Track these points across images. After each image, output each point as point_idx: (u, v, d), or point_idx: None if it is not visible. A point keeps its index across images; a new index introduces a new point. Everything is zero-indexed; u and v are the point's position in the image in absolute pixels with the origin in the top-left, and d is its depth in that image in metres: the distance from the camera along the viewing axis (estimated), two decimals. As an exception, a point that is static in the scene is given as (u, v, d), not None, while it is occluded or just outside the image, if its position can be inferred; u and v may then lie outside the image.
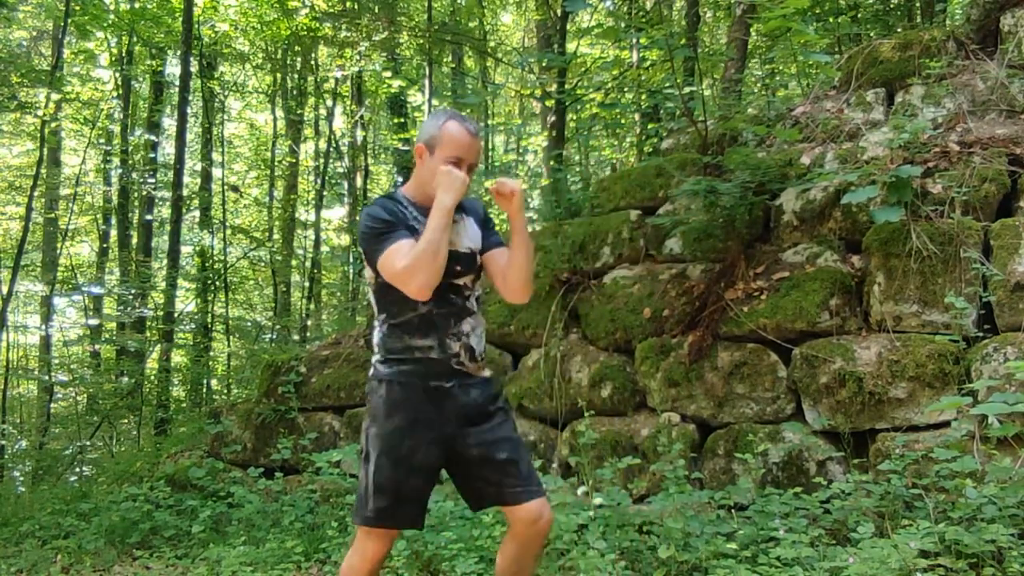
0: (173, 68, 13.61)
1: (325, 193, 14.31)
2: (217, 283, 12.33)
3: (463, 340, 2.52)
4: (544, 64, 8.39)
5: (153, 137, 13.42)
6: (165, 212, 13.05)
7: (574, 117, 10.06)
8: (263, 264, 14.21)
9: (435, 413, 2.47)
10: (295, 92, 14.60)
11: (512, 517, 2.50)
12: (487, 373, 2.61)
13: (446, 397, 2.49)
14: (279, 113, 14.98)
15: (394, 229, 2.44)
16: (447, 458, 2.52)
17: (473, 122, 2.54)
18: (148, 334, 11.17)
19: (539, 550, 2.57)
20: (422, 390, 2.47)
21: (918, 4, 8.21)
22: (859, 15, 8.40)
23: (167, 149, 14.11)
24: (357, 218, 13.32)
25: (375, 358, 2.57)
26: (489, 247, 2.61)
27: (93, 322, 13.17)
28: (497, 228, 2.72)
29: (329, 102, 14.40)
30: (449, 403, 2.49)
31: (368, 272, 2.54)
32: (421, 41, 11.80)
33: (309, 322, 12.43)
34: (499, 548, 2.62)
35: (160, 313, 10.88)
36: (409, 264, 2.35)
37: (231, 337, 12.91)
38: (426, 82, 11.99)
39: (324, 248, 14.65)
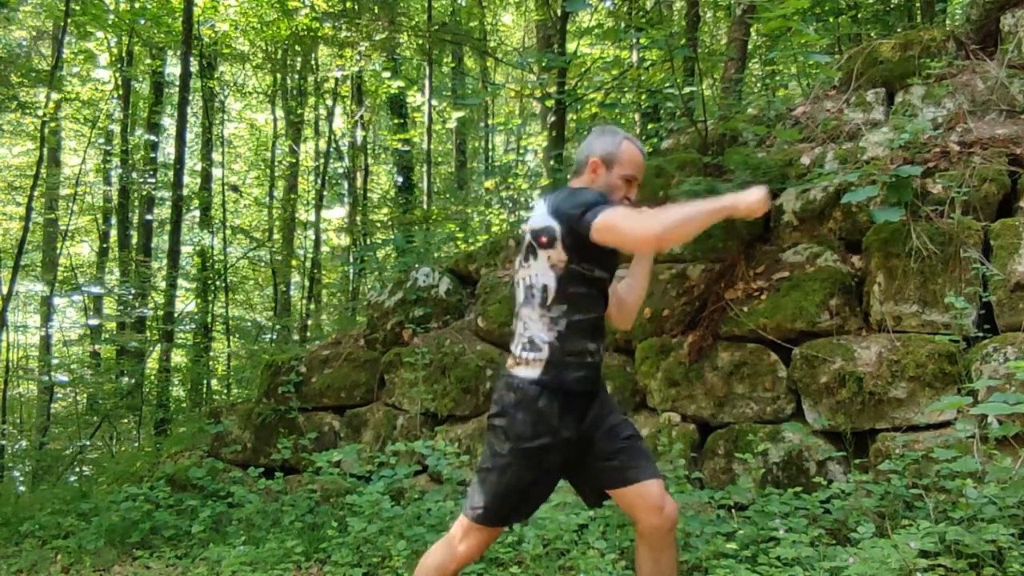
0: (173, 68, 13.62)
1: (325, 193, 14.31)
2: (217, 283, 12.34)
3: (602, 343, 2.57)
4: (544, 64, 8.38)
5: (153, 137, 13.42)
6: (165, 212, 13.05)
7: (574, 117, 10.06)
8: (263, 264, 14.21)
9: (578, 420, 2.46)
10: (295, 92, 14.61)
11: (636, 504, 2.43)
12: None
13: (591, 403, 2.51)
14: (279, 113, 14.99)
15: (609, 203, 2.40)
16: (576, 456, 2.52)
17: (640, 142, 2.66)
18: (148, 334, 11.17)
19: (673, 552, 2.47)
20: (580, 397, 2.47)
21: (918, 4, 8.21)
22: (859, 15, 8.40)
23: (167, 149, 14.12)
24: (358, 219, 13.40)
25: (537, 356, 2.44)
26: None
27: (93, 322, 13.17)
28: None
29: (329, 102, 14.41)
30: (591, 408, 2.51)
31: (557, 254, 2.41)
32: (421, 41, 11.81)
33: (309, 322, 12.43)
34: (636, 565, 2.54)
35: (160, 313, 10.88)
36: (667, 218, 2.24)
37: (231, 337, 12.92)
38: (426, 82, 11.99)
39: (324, 248, 14.65)
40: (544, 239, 2.43)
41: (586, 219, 2.32)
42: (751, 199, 2.23)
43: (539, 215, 2.47)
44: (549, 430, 2.40)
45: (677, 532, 3.43)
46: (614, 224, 2.28)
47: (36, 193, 10.23)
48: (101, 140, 14.33)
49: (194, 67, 11.76)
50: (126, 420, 10.79)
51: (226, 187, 14.10)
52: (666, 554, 2.43)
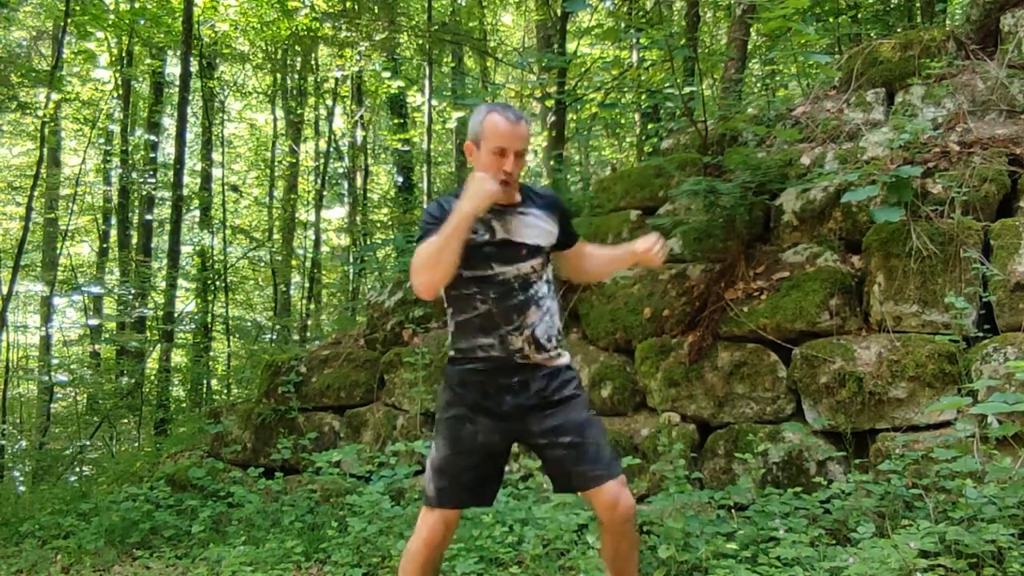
0: (173, 68, 13.62)
1: (325, 193, 14.32)
2: (217, 283, 12.34)
3: (526, 333, 2.53)
4: (544, 64, 8.38)
5: (153, 137, 13.42)
6: (165, 212, 13.05)
7: (574, 117, 10.06)
8: (263, 264, 14.21)
9: (496, 406, 2.53)
10: (295, 92, 14.61)
11: (593, 504, 2.54)
12: (560, 360, 2.60)
13: (507, 392, 2.54)
14: (279, 113, 14.99)
15: (435, 227, 2.45)
16: (522, 444, 2.65)
17: (515, 110, 2.55)
18: (148, 334, 11.17)
19: (633, 538, 2.58)
20: (485, 386, 2.54)
21: (918, 4, 8.21)
22: (859, 15, 8.40)
23: (167, 149, 14.12)
24: (358, 219, 13.40)
25: (449, 352, 2.66)
26: (571, 242, 2.77)
27: (93, 322, 13.17)
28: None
29: (329, 102, 14.41)
30: (510, 398, 2.54)
31: None
32: (421, 41, 11.81)
33: (309, 322, 12.43)
34: (600, 547, 2.67)
35: (160, 313, 10.88)
36: (413, 264, 2.43)
37: (231, 337, 12.92)
38: (426, 82, 11.99)
39: (324, 248, 14.65)
40: None
41: None
42: (478, 193, 2.40)
43: None
44: (461, 403, 2.55)
45: (677, 532, 3.45)
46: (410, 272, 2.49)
47: (36, 193, 10.22)
48: (101, 140, 14.34)
49: (194, 67, 11.76)
50: (126, 420, 10.78)
51: (226, 187, 14.10)
52: (625, 541, 2.55)
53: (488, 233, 2.53)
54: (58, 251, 13.58)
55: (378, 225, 13.44)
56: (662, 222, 4.91)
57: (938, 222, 4.02)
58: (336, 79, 13.76)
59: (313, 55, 13.25)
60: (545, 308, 2.58)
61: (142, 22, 11.87)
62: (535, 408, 2.53)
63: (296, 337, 11.70)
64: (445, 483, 2.54)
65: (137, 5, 12.13)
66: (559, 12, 8.87)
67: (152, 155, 13.28)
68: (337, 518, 4.62)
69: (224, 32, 12.77)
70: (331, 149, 14.36)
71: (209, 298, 12.19)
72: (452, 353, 2.63)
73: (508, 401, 2.53)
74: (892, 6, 8.74)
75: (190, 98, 11.54)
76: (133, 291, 11.15)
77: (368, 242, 12.26)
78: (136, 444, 10.01)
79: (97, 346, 12.70)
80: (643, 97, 7.69)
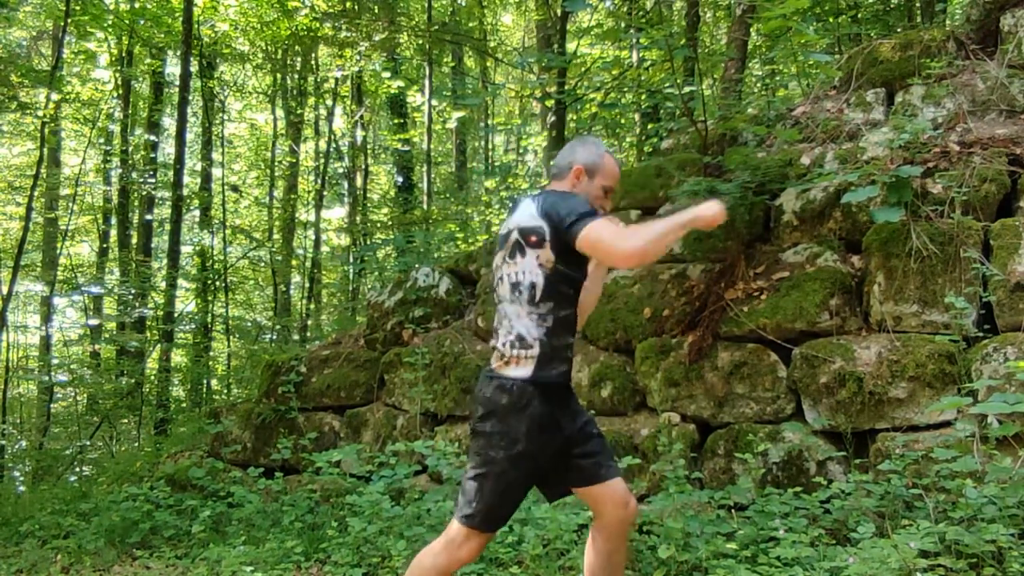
0: (173, 68, 13.62)
1: (325, 193, 14.31)
2: (217, 283, 12.33)
3: (575, 338, 2.68)
4: (544, 64, 8.38)
5: (153, 137, 13.42)
6: (165, 212, 13.05)
7: (574, 117, 10.06)
8: (263, 264, 14.21)
9: (569, 416, 2.58)
10: (295, 92, 14.61)
11: (604, 500, 2.57)
12: None
13: (571, 396, 2.64)
14: (279, 113, 14.99)
15: (595, 213, 2.50)
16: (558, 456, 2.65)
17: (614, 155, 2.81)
18: (148, 334, 11.17)
19: (627, 543, 2.63)
20: (565, 391, 2.60)
21: (918, 4, 8.21)
22: (859, 15, 8.40)
23: (167, 149, 14.12)
24: (358, 219, 13.39)
25: (528, 353, 2.50)
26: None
27: (93, 322, 13.17)
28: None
29: (329, 102, 14.41)
30: (571, 401, 2.63)
31: (545, 254, 2.49)
32: (421, 41, 11.81)
33: (309, 322, 12.43)
34: (586, 549, 2.68)
35: (160, 313, 10.88)
36: (634, 232, 2.38)
37: (231, 337, 12.92)
38: (426, 82, 12.00)
39: (324, 248, 14.65)
40: (534, 239, 2.51)
41: (573, 229, 2.42)
42: (710, 212, 2.43)
43: (528, 215, 2.55)
44: (549, 430, 2.49)
45: (677, 532, 3.45)
46: (599, 239, 2.39)
47: (36, 193, 10.21)
48: (101, 140, 14.33)
49: (194, 67, 11.76)
50: (126, 420, 10.78)
51: (226, 187, 14.09)
52: (621, 547, 2.61)
53: None
54: (58, 251, 13.56)
55: (378, 225, 13.44)
56: (662, 222, 4.90)
57: (938, 222, 4.02)
58: (336, 79, 13.76)
59: (313, 55, 13.25)
60: None
61: (142, 22, 11.86)
62: (576, 413, 2.64)
63: (296, 337, 11.70)
64: (509, 510, 2.54)
65: (137, 5, 12.13)
66: (559, 12, 8.87)
67: (152, 155, 13.27)
68: (337, 518, 4.62)
69: (224, 32, 12.77)
70: (331, 149, 14.36)
71: (209, 298, 12.19)
72: (540, 353, 2.49)
73: (571, 410, 2.60)
74: (892, 6, 8.74)
75: (190, 98, 11.54)
76: (133, 291, 11.14)
77: (368, 242, 12.25)
78: (136, 444, 10.01)
79: (97, 346, 12.69)
80: (643, 97, 7.68)
